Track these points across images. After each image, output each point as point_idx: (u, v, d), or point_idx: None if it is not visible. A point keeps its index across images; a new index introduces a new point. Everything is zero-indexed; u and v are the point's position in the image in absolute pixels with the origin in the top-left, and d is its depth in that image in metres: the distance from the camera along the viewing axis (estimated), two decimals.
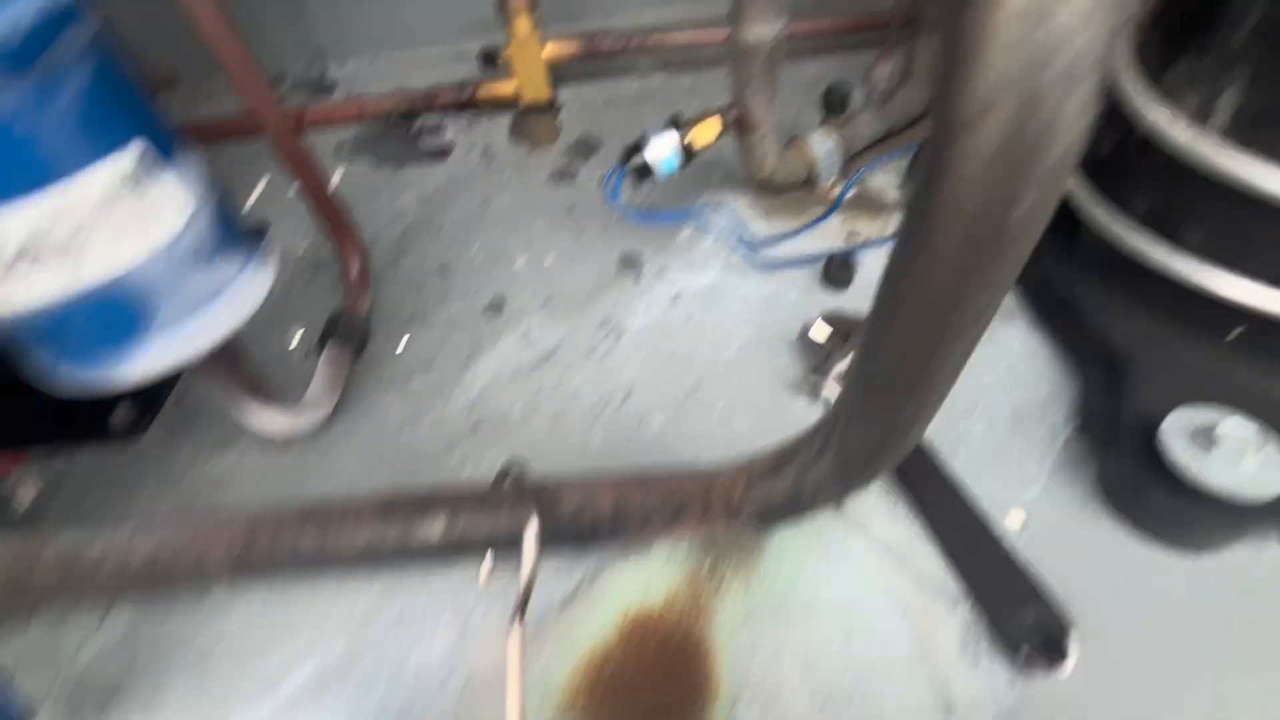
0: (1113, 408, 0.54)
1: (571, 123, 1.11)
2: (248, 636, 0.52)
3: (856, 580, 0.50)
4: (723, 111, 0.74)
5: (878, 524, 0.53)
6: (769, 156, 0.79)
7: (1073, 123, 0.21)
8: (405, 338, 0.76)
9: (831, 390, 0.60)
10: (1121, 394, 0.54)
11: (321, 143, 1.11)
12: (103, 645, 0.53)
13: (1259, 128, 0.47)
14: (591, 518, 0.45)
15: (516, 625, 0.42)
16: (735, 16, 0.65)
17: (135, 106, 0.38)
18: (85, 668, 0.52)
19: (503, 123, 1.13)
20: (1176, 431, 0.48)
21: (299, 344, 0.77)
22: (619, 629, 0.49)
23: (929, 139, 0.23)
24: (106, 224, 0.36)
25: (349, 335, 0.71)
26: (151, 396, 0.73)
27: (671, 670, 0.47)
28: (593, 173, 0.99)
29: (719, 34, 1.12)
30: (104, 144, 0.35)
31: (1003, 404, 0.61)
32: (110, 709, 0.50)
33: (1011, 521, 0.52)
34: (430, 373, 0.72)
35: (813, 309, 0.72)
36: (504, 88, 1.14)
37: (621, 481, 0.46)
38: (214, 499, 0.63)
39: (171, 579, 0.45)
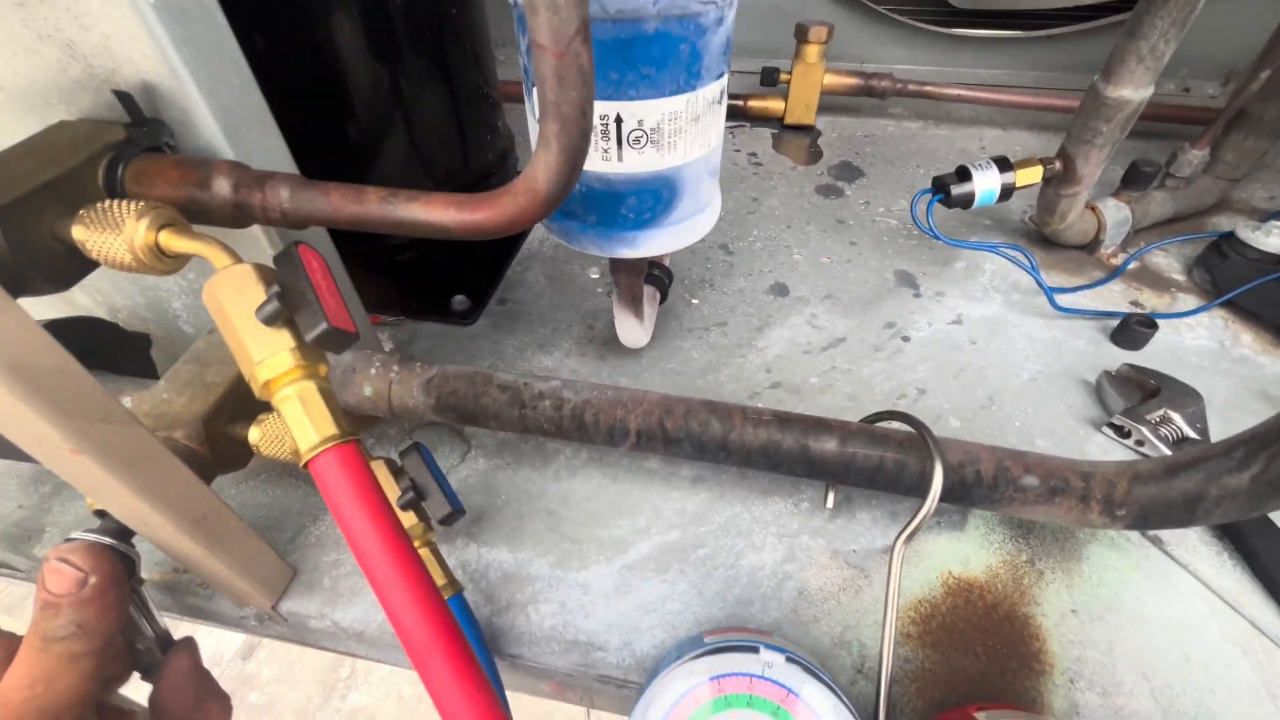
0: None
1: (831, 147, 1.19)
2: (590, 507, 0.60)
3: (1186, 610, 0.51)
4: (1045, 161, 0.79)
5: (1202, 568, 0.54)
6: (1072, 211, 0.82)
7: None
8: (697, 299, 0.84)
9: (1145, 434, 0.62)
10: None
11: None
12: (466, 477, 0.63)
13: None
14: (973, 475, 0.49)
15: (901, 545, 0.47)
16: (1107, 72, 0.70)
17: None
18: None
19: (764, 135, 1.23)
20: None
21: (599, 279, 0.87)
22: (943, 588, 0.53)
23: None
24: (693, 129, 0.45)
25: (658, 280, 0.80)
26: (482, 293, 0.84)
27: (999, 636, 0.50)
28: (859, 194, 1.05)
29: (986, 94, 1.18)
30: (720, 70, 0.44)
31: None
32: (479, 529, 0.58)
33: None
34: (726, 331, 0.79)
35: (1102, 360, 0.75)
36: (774, 105, 1.24)
37: (995, 450, 0.50)
38: None
39: (591, 430, 0.53)
